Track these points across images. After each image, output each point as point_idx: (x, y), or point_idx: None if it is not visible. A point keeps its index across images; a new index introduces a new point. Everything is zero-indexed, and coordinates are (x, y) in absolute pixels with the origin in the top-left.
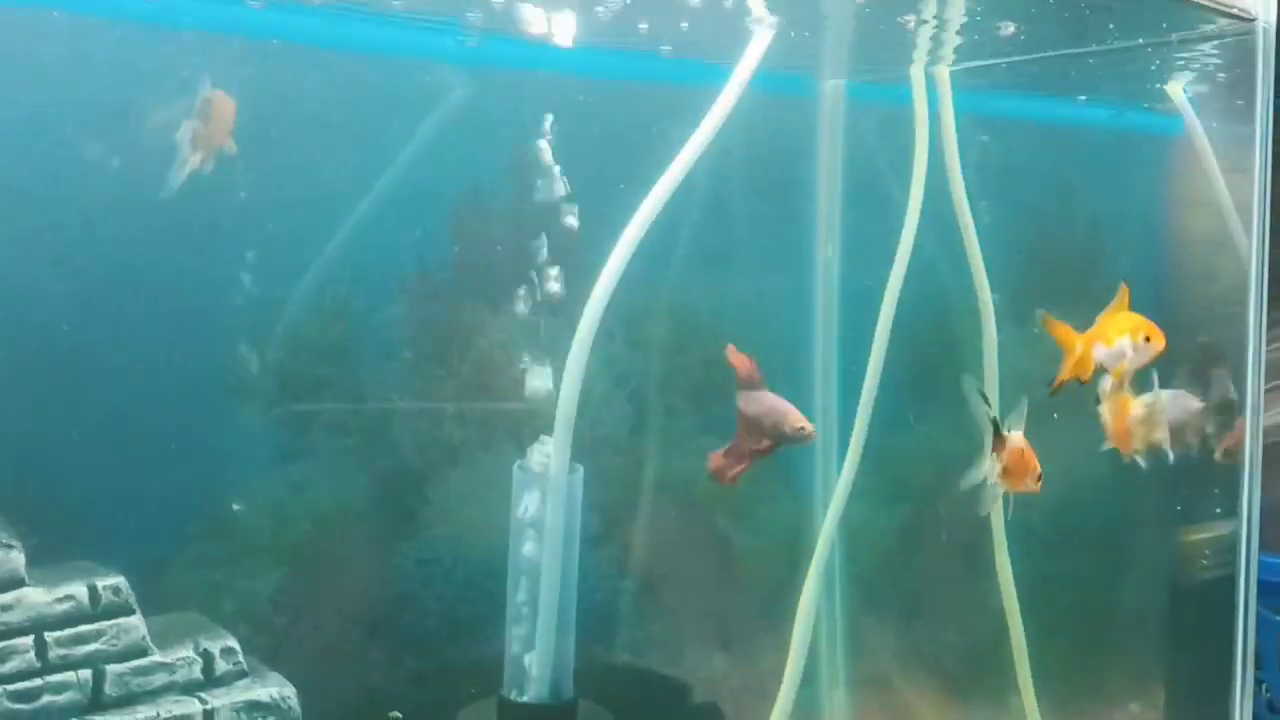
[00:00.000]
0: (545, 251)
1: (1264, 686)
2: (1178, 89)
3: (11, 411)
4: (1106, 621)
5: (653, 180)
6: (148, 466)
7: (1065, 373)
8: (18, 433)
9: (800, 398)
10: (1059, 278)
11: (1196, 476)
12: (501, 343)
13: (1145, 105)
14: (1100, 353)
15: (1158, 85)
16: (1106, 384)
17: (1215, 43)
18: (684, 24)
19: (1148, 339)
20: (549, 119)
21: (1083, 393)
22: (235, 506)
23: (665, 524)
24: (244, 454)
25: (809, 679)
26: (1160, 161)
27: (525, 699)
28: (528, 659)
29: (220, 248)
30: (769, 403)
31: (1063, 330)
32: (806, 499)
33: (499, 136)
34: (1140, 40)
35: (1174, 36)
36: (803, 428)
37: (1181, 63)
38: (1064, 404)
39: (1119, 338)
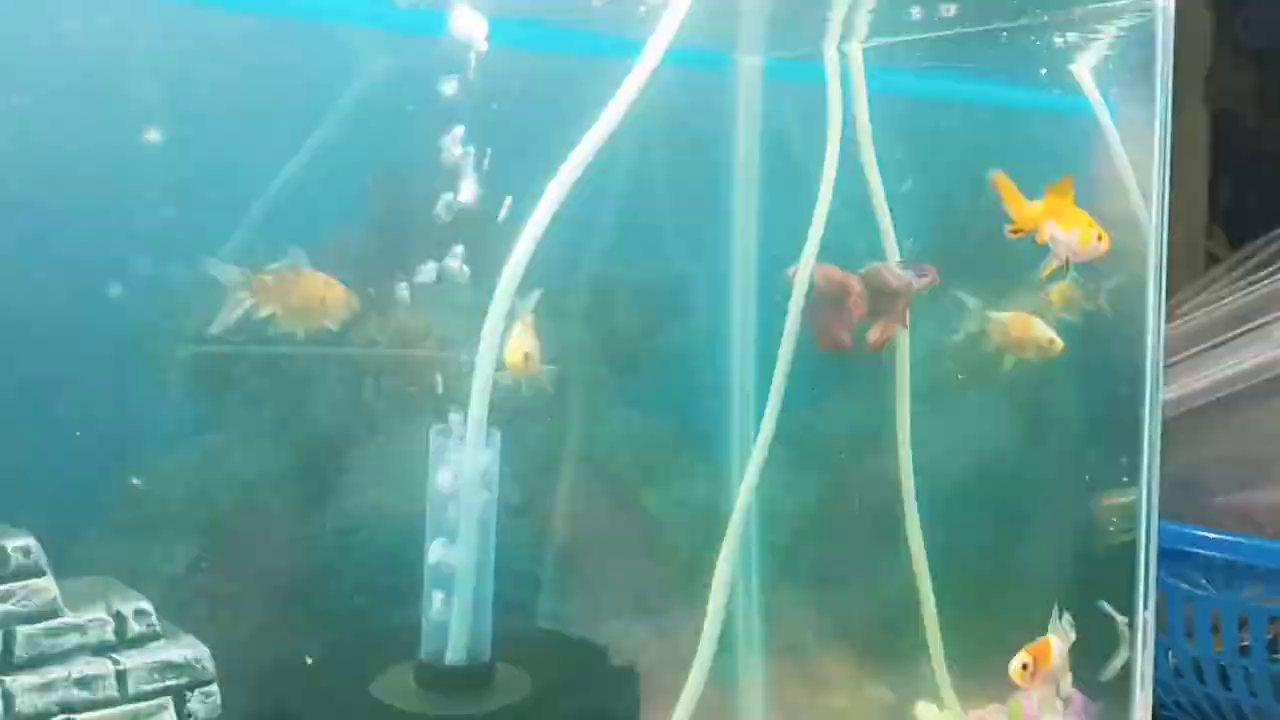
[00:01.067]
0: (460, 223)
1: (1170, 653)
2: (1084, 69)
3: None
4: (1015, 588)
5: (568, 154)
6: (59, 432)
7: (1013, 230)
8: None
9: (718, 371)
10: (968, 254)
11: (1105, 445)
12: (417, 313)
13: (1052, 86)
14: (1055, 231)
15: (1065, 65)
16: (1055, 261)
17: (1118, 23)
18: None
19: (1099, 238)
20: (461, 91)
21: (988, 361)
22: (134, 480)
23: (582, 494)
24: (157, 421)
25: (725, 647)
26: (1066, 141)
27: (443, 662)
28: (445, 623)
29: (132, 216)
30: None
31: (1014, 194)
32: (723, 470)
33: (412, 107)
34: (1044, 17)
35: (1076, 13)
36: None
37: (1086, 43)
38: (971, 370)
39: (1076, 227)
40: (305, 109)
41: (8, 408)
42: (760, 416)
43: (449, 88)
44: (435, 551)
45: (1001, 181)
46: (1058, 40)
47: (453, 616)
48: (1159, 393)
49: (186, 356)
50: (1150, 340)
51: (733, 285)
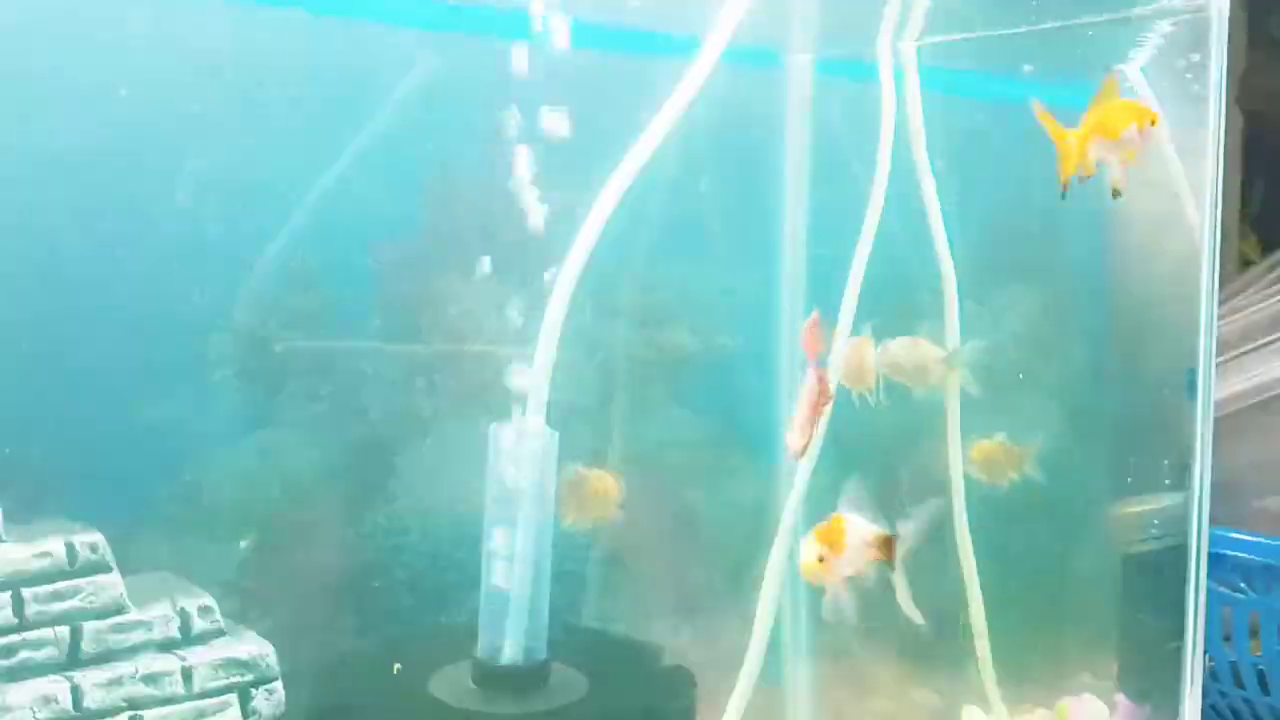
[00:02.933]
0: (517, 222)
1: (1208, 656)
2: (1134, 69)
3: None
4: (1062, 592)
5: (622, 154)
6: (121, 431)
7: (1065, 171)
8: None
9: (766, 371)
10: (1015, 250)
11: (1147, 449)
12: (472, 312)
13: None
14: (1101, 146)
15: (1116, 65)
16: (1117, 174)
17: (1170, 21)
18: None
19: (1152, 123)
20: (520, 90)
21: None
22: (187, 478)
23: (633, 494)
24: (214, 419)
25: (773, 648)
26: None
27: (500, 661)
28: (502, 622)
29: (191, 215)
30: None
31: (1055, 124)
32: (771, 472)
33: (470, 107)
34: (1103, 16)
35: (1132, 13)
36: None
37: (1139, 43)
38: (1027, 371)
39: (1123, 127)
40: (371, 110)
41: (77, 408)
42: None
43: (514, 87)
44: (492, 551)
45: (1040, 111)
46: (1107, 39)
47: (509, 616)
48: (1210, 396)
49: (248, 356)
50: (1202, 342)
51: (782, 284)
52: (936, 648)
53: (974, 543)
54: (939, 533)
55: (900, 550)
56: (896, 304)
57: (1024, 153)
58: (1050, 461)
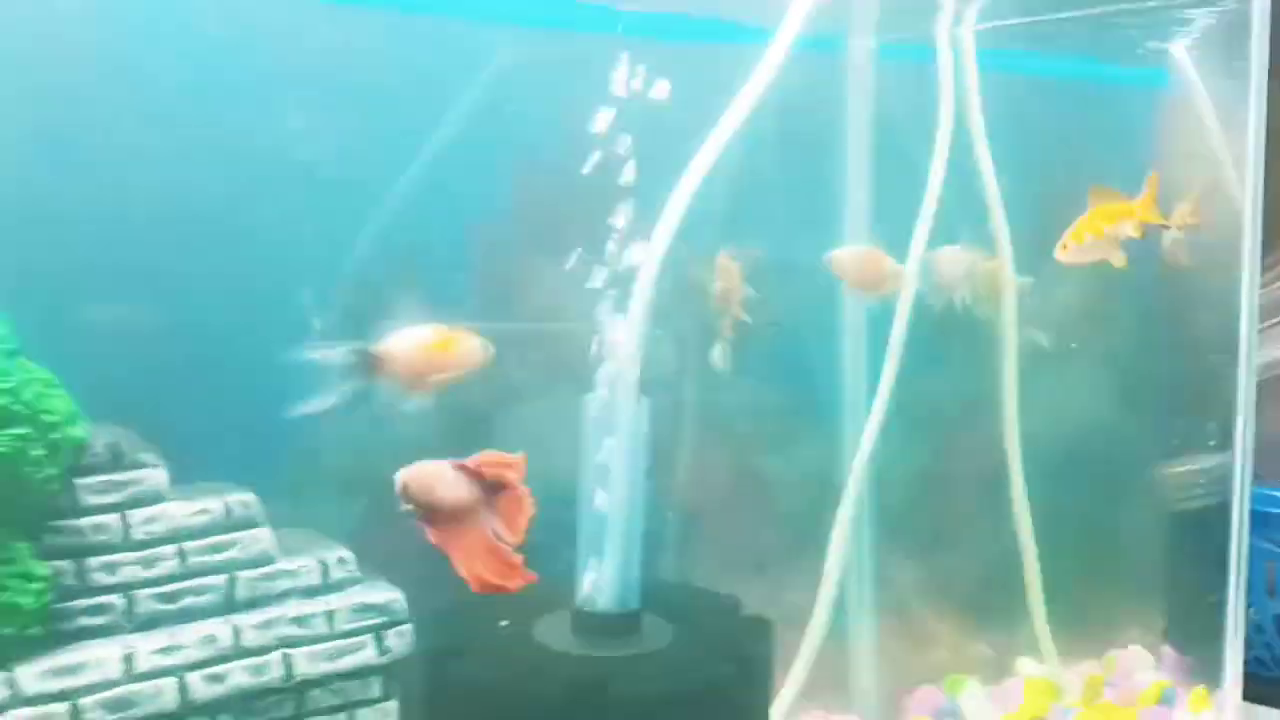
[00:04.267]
0: (603, 203)
1: (1252, 610)
2: (1180, 48)
3: (156, 356)
4: (1111, 550)
5: (700, 137)
6: (263, 402)
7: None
8: (157, 372)
9: (829, 342)
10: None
11: (1193, 412)
12: (565, 289)
13: (1143, 63)
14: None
15: (1160, 44)
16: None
17: (1213, 8)
18: None
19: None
20: (604, 80)
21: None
22: (314, 445)
23: (708, 459)
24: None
25: (839, 604)
26: (1152, 115)
27: (596, 609)
28: (598, 574)
29: (311, 201)
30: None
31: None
32: (836, 438)
33: (558, 96)
34: (1149, 2)
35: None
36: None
37: (1185, 23)
38: (1079, 340)
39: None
40: (465, 103)
41: (227, 385)
42: (874, 386)
43: (598, 77)
44: (589, 510)
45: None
46: (1154, 21)
47: (604, 568)
48: (1252, 359)
49: (359, 333)
50: (1244, 307)
51: None
52: (993, 603)
53: (1028, 503)
54: (994, 491)
55: None
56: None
57: (1074, 131)
58: (1099, 424)
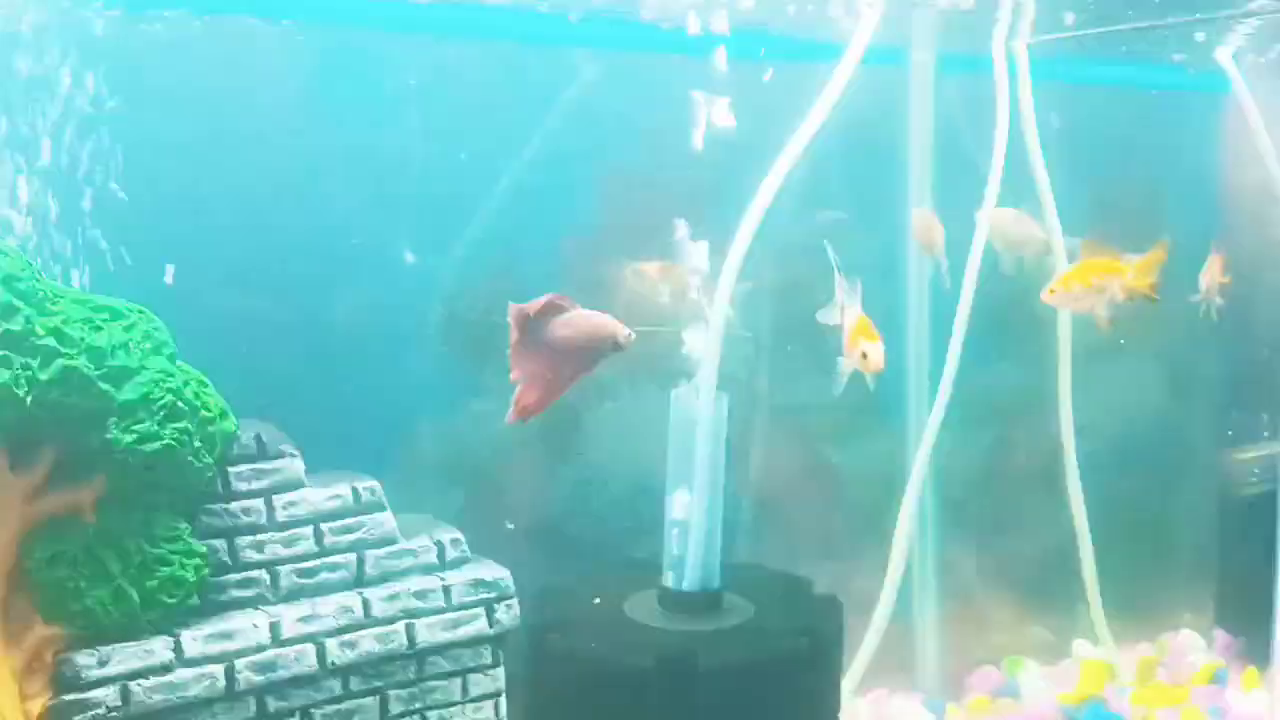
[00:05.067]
0: (682, 213)
1: None
2: (1226, 55)
3: (295, 365)
4: (1164, 536)
5: (774, 149)
6: (375, 401)
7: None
8: (294, 378)
9: (895, 339)
10: (1124, 223)
11: (1247, 404)
12: (645, 293)
13: (1197, 68)
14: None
15: (1208, 52)
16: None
17: (1257, 18)
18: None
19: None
20: (682, 98)
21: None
22: (424, 438)
23: (781, 450)
24: (441, 389)
25: (904, 588)
26: (1214, 118)
27: (681, 588)
28: (683, 556)
29: (419, 220)
30: (589, 321)
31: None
32: (900, 431)
33: (639, 116)
34: (1197, 15)
35: (1221, 14)
36: (630, 334)
37: (1230, 31)
38: (1127, 336)
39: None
40: (556, 121)
41: (353, 384)
42: (936, 382)
43: (680, 93)
44: (675, 495)
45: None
46: (1200, 32)
47: (689, 550)
48: None
49: (463, 335)
50: None
51: (909, 262)
52: (1051, 588)
53: (1083, 491)
54: (1050, 481)
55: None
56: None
57: (1128, 131)
58: (1157, 416)
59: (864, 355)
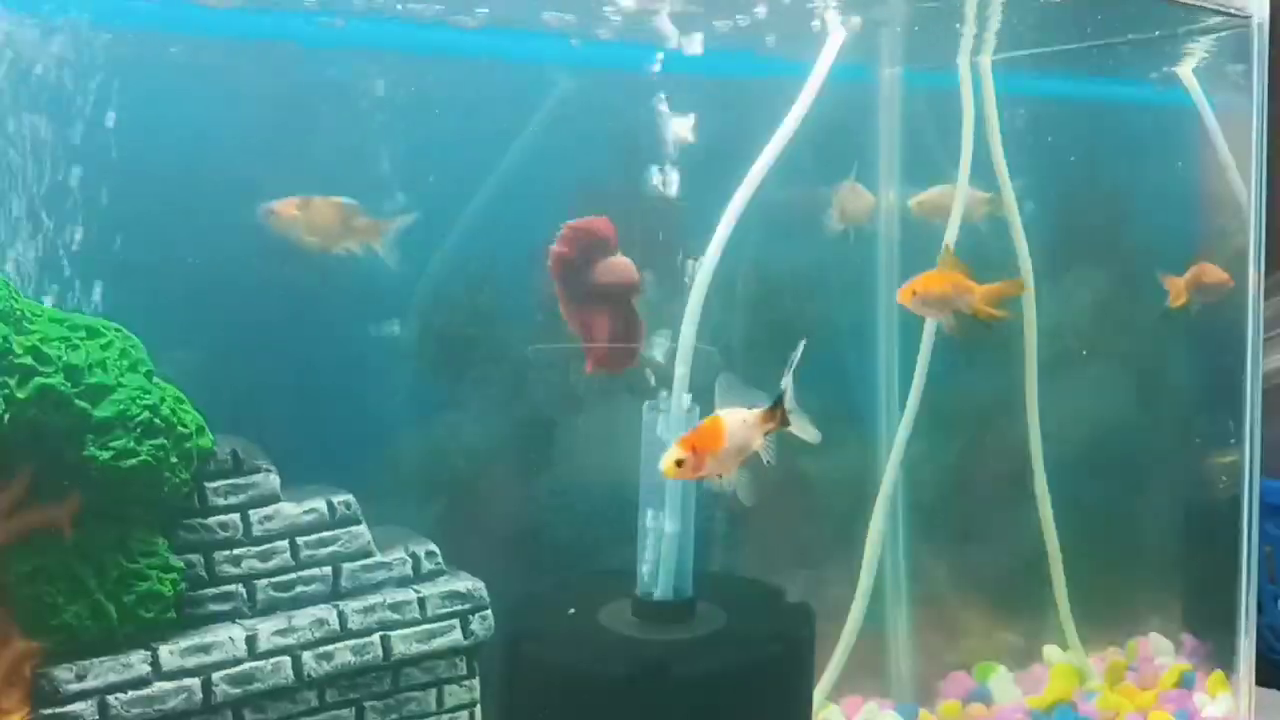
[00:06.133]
0: (654, 227)
1: (1278, 600)
2: (1187, 70)
3: (269, 380)
4: (1132, 541)
5: (744, 165)
6: (349, 414)
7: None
8: (268, 393)
9: (865, 350)
10: (1089, 238)
11: (1213, 410)
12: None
13: (1158, 85)
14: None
15: (1169, 68)
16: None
17: (1216, 36)
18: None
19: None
20: (651, 113)
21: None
22: (398, 450)
23: (752, 459)
24: (413, 402)
25: (876, 595)
26: (1177, 133)
27: (654, 597)
28: (655, 565)
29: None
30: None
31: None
32: (872, 440)
33: (611, 130)
34: (1156, 33)
35: (1180, 29)
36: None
37: (1188, 50)
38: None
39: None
40: (526, 134)
41: (325, 399)
42: (906, 389)
43: (655, 108)
44: (646, 507)
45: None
46: (1162, 47)
47: (661, 560)
48: (1259, 363)
49: (437, 349)
50: (1250, 316)
51: (879, 274)
52: (1020, 593)
53: (1051, 497)
54: (1019, 488)
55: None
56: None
57: (1093, 145)
58: (1123, 422)
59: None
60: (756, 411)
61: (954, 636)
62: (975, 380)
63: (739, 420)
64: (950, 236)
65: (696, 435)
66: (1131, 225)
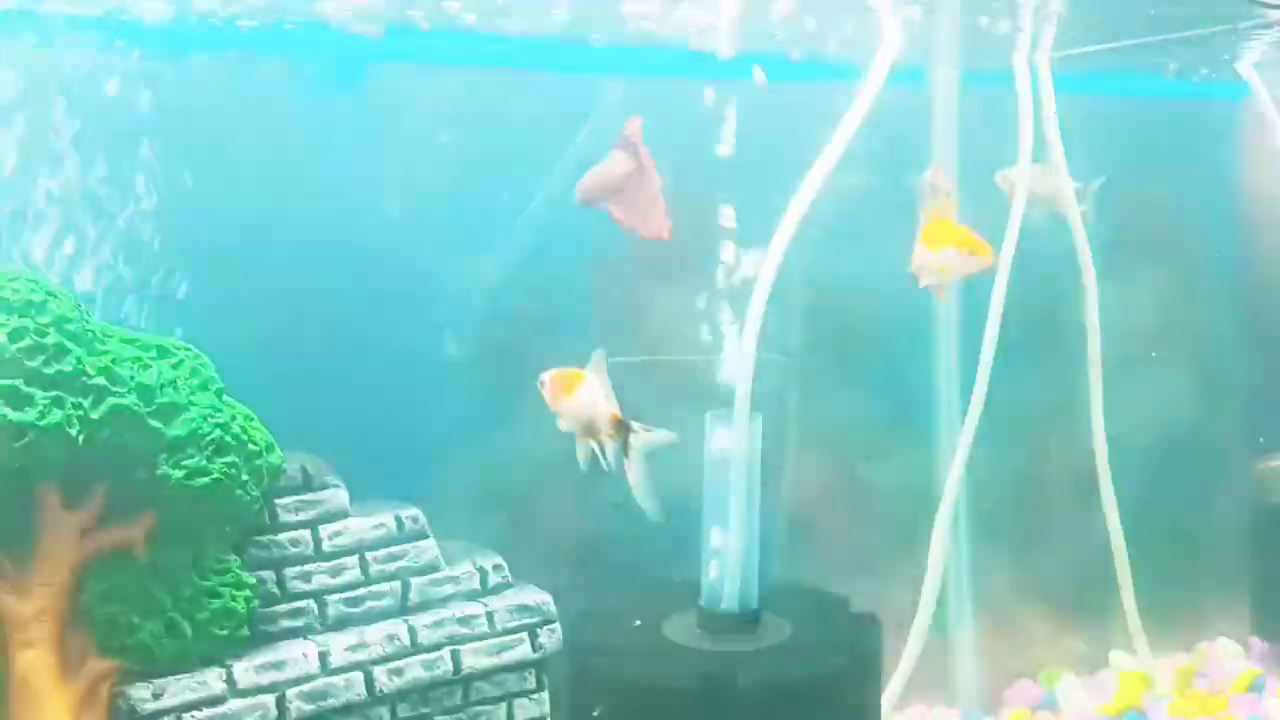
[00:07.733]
0: (714, 235)
1: None
2: (1247, 65)
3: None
4: (1198, 544)
5: (801, 170)
6: (417, 428)
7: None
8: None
9: (924, 356)
10: (1148, 231)
11: (1277, 409)
12: (676, 313)
13: (1218, 77)
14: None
15: (1227, 59)
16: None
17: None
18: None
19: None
20: (716, 119)
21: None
22: (464, 466)
23: (814, 468)
24: (477, 417)
25: (940, 601)
26: (1233, 123)
27: (720, 609)
28: (721, 577)
29: (457, 253)
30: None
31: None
32: (933, 447)
33: (670, 139)
34: (1216, 28)
35: (1240, 25)
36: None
37: (1250, 44)
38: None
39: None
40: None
41: (392, 417)
42: (968, 395)
43: (712, 117)
44: (711, 518)
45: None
46: (1221, 42)
47: (726, 572)
48: None
49: (499, 362)
50: None
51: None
52: (1086, 599)
53: (1118, 501)
54: (1082, 492)
55: (635, 441)
56: (1040, 286)
57: (1152, 139)
58: (1187, 424)
59: None
60: (611, 408)
61: (1020, 643)
62: (1038, 382)
63: (594, 391)
64: (1014, 223)
65: (558, 371)
66: (1202, 223)
